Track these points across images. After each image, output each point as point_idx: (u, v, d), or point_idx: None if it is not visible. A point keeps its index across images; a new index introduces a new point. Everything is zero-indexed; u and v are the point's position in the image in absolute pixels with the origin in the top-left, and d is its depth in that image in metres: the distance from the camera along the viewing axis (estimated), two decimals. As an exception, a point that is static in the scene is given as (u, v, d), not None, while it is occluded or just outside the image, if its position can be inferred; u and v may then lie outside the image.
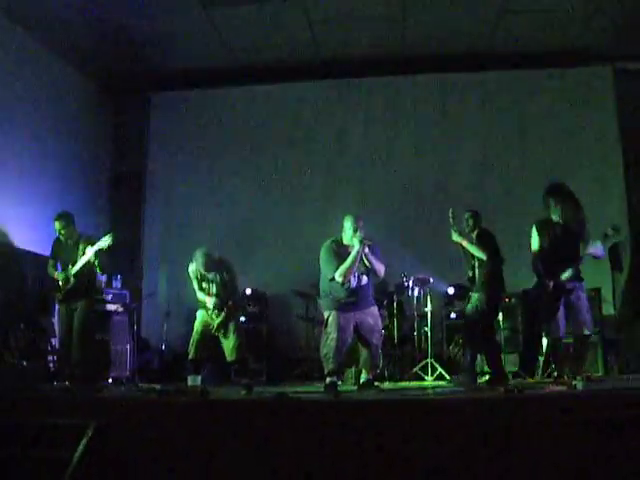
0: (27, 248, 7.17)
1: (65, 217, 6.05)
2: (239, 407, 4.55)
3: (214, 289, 5.87)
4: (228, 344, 5.74)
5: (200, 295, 5.90)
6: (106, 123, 9.25)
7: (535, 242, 5.25)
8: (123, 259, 8.72)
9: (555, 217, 5.20)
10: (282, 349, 8.03)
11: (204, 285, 5.90)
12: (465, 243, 5.72)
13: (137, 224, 9.02)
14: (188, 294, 8.56)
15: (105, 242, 5.81)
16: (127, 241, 8.84)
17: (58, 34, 7.58)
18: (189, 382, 5.45)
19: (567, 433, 3.79)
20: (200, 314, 5.88)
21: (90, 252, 5.79)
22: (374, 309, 5.53)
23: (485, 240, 5.73)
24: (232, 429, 4.09)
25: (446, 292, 7.77)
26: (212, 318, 5.79)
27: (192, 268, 5.93)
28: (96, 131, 8.98)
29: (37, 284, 6.89)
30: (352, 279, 5.37)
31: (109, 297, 7.19)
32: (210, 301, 5.81)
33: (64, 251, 6.05)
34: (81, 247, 5.91)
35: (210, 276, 5.88)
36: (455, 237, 5.74)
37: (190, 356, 5.80)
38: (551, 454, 3.75)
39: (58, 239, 6.12)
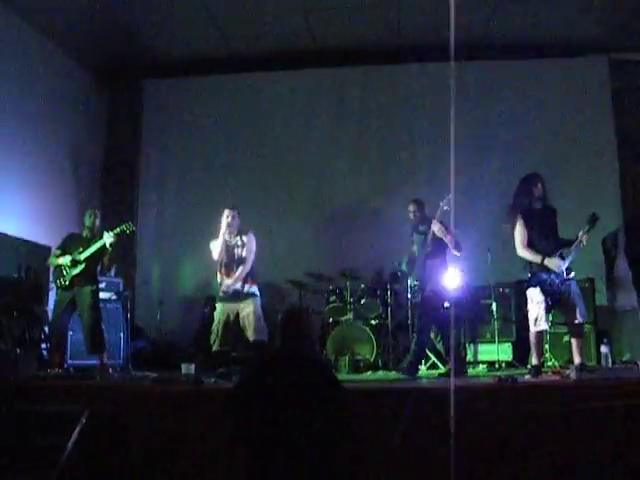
0: (20, 236, 7.13)
1: (97, 213, 6.19)
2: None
3: (241, 252, 5.86)
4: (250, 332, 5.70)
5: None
6: (99, 110, 9.19)
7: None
8: (117, 247, 8.72)
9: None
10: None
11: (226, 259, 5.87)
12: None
13: (130, 212, 8.96)
14: (181, 283, 8.63)
15: (127, 228, 5.90)
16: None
17: (52, 20, 7.51)
18: (183, 370, 5.45)
19: (559, 421, 3.82)
20: (220, 304, 5.84)
21: (109, 237, 5.81)
22: None
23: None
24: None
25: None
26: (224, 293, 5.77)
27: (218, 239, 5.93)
28: (89, 118, 8.91)
29: (31, 273, 6.86)
30: None
31: (102, 285, 7.18)
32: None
33: (77, 244, 6.05)
34: (93, 241, 5.96)
35: (235, 241, 5.89)
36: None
37: (214, 348, 5.74)
38: (543, 441, 3.78)
39: (73, 233, 6.20)
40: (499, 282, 7.06)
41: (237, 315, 5.75)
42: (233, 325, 5.76)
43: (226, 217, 5.88)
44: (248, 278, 5.84)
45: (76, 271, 5.89)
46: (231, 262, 5.87)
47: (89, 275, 5.96)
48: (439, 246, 5.80)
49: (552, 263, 5.08)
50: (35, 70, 7.63)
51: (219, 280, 5.94)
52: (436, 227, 5.68)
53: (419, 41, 8.29)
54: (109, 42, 8.27)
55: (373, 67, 8.69)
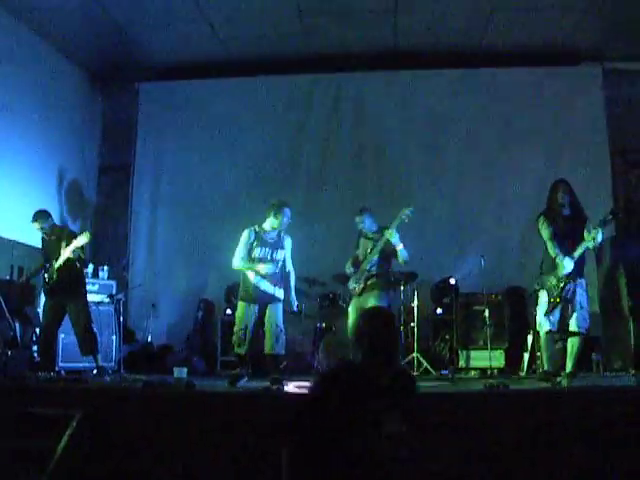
0: (13, 238, 7.11)
1: (41, 215, 6.11)
2: (225, 399, 4.56)
3: (275, 255, 5.70)
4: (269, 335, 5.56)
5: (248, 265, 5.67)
6: (94, 112, 9.17)
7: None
8: (110, 250, 8.72)
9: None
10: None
11: (256, 253, 5.68)
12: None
13: (124, 215, 8.96)
14: (175, 286, 8.60)
15: (81, 240, 5.86)
16: (114, 232, 8.86)
17: (48, 21, 7.49)
18: (175, 374, 5.43)
19: (550, 429, 3.83)
20: (241, 305, 5.68)
21: (67, 251, 5.84)
22: None
23: None
24: (218, 421, 4.10)
25: (434, 287, 7.78)
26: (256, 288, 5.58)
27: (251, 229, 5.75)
28: (84, 120, 8.89)
29: (23, 274, 6.84)
30: None
31: (95, 287, 7.18)
32: (264, 268, 5.60)
33: (49, 247, 6.11)
34: (64, 242, 5.93)
35: (271, 238, 5.73)
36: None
37: (243, 351, 5.56)
38: (533, 448, 3.79)
39: (43, 237, 6.19)
40: (492, 289, 7.07)
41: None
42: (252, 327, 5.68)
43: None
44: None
45: (52, 282, 5.96)
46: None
47: (67, 283, 5.99)
48: (387, 253, 5.89)
49: (567, 263, 5.14)
50: (30, 71, 7.60)
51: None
52: (390, 235, 5.73)
53: (414, 48, 8.33)
54: (105, 44, 8.26)
55: (369, 73, 8.71)
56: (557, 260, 5.20)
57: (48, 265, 6.03)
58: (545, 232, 5.38)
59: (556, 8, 7.29)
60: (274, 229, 5.72)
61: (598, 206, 7.82)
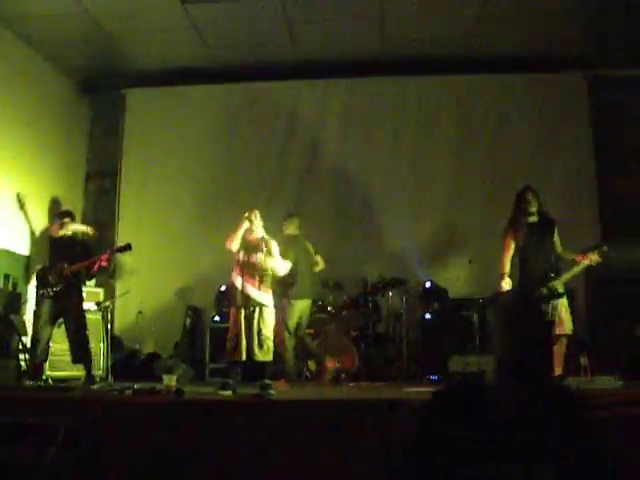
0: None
1: (71, 214, 6.36)
2: (214, 406, 4.54)
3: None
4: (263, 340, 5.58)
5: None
6: (81, 119, 9.12)
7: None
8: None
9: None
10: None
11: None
12: None
13: (111, 222, 8.91)
14: (162, 293, 8.55)
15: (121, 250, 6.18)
16: (101, 239, 8.77)
17: (35, 29, 7.46)
18: (164, 381, 5.40)
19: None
20: (232, 312, 5.72)
21: (106, 257, 5.98)
22: None
23: None
24: (207, 428, 4.08)
25: (423, 292, 7.79)
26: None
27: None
28: (71, 127, 8.84)
29: (9, 282, 6.78)
30: None
31: (83, 295, 7.12)
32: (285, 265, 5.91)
33: (61, 248, 6.12)
34: (79, 247, 6.11)
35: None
36: None
37: (243, 358, 5.55)
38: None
39: (55, 238, 6.22)
40: (481, 294, 7.10)
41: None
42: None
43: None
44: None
45: (61, 284, 5.95)
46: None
47: (74, 287, 6.02)
48: None
49: (504, 284, 5.32)
50: (16, 77, 7.54)
51: None
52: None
53: (400, 54, 8.36)
54: (92, 51, 8.24)
55: (356, 80, 8.73)
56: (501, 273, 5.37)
57: (59, 267, 5.97)
58: (505, 244, 5.48)
59: (539, 16, 7.34)
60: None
61: (583, 213, 7.95)
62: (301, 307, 6.62)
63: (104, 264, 5.94)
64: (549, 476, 1.65)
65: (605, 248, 5.31)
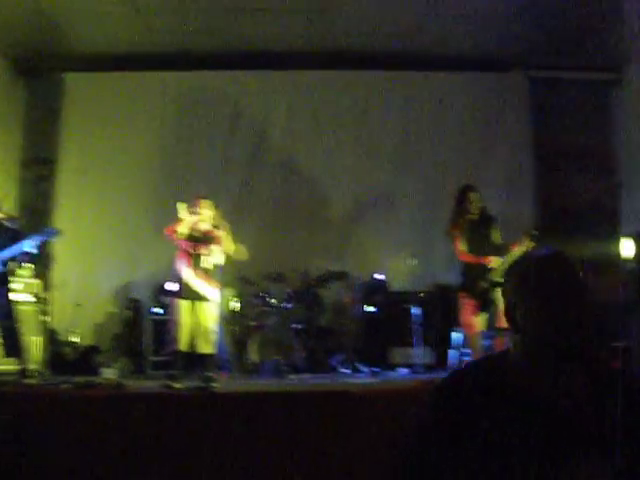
0: None
1: None
2: (155, 400, 4.49)
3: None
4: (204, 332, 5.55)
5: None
6: (17, 103, 8.78)
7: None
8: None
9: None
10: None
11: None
12: None
13: (47, 210, 8.63)
14: (101, 284, 8.36)
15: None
16: (37, 229, 8.49)
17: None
18: (103, 375, 5.31)
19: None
20: (178, 303, 5.63)
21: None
22: None
23: None
24: (148, 422, 4.04)
25: (365, 285, 7.87)
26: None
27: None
28: (6, 112, 8.51)
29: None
30: None
31: (19, 286, 6.88)
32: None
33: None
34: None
35: None
36: None
37: (185, 348, 5.53)
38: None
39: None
40: (421, 287, 7.24)
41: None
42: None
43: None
44: None
45: None
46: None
47: None
48: None
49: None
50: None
51: None
52: None
53: (345, 48, 8.38)
54: (29, 31, 7.89)
55: (300, 72, 8.71)
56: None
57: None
58: (455, 241, 5.72)
59: (484, 16, 7.49)
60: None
61: (521, 212, 8.19)
62: None
63: None
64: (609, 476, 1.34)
65: (535, 232, 5.50)
